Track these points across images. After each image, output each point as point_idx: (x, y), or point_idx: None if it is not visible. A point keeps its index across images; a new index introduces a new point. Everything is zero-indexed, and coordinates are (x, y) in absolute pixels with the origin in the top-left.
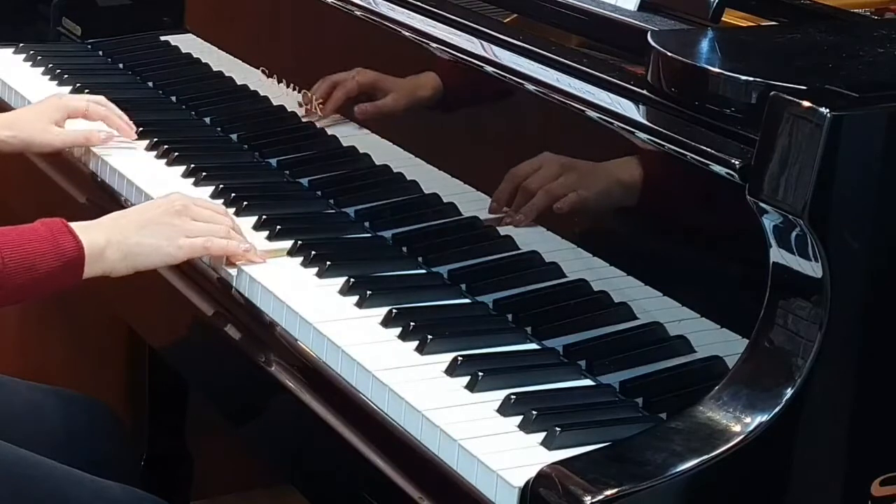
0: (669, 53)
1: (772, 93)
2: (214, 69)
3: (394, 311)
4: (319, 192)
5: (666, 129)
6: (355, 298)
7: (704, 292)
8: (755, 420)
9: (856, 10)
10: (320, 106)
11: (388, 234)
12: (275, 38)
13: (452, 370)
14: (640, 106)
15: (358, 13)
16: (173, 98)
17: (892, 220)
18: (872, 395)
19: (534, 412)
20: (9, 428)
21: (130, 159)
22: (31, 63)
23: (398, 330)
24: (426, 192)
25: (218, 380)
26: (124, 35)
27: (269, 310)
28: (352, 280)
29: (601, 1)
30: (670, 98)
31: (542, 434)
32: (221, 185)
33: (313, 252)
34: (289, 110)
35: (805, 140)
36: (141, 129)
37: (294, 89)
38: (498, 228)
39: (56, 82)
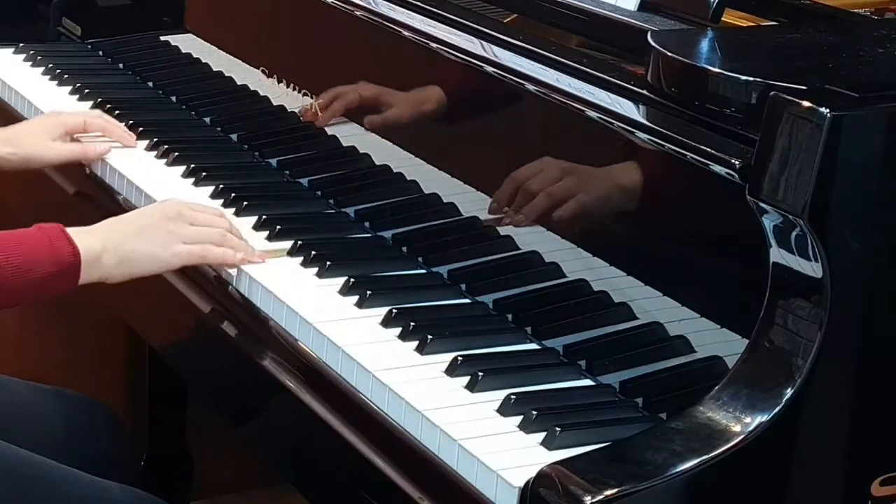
0: (669, 53)
1: (772, 93)
2: (214, 69)
3: (394, 311)
4: (319, 192)
5: (666, 129)
6: (355, 298)
7: (704, 292)
8: (755, 420)
9: (856, 10)
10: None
11: (388, 234)
12: (275, 38)
13: (452, 370)
14: (640, 106)
15: (358, 13)
16: (173, 98)
17: (892, 220)
18: (872, 395)
19: (534, 412)
20: (9, 428)
21: (130, 159)
22: (31, 63)
23: (398, 330)
24: (426, 192)
25: (218, 380)
26: (124, 35)
27: (268, 310)
28: (352, 280)
29: (601, 1)
30: (670, 98)
31: (542, 434)
32: (221, 185)
33: (313, 252)
34: (289, 110)
35: (805, 140)
36: (141, 129)
37: (294, 89)
38: (498, 228)
39: (56, 82)
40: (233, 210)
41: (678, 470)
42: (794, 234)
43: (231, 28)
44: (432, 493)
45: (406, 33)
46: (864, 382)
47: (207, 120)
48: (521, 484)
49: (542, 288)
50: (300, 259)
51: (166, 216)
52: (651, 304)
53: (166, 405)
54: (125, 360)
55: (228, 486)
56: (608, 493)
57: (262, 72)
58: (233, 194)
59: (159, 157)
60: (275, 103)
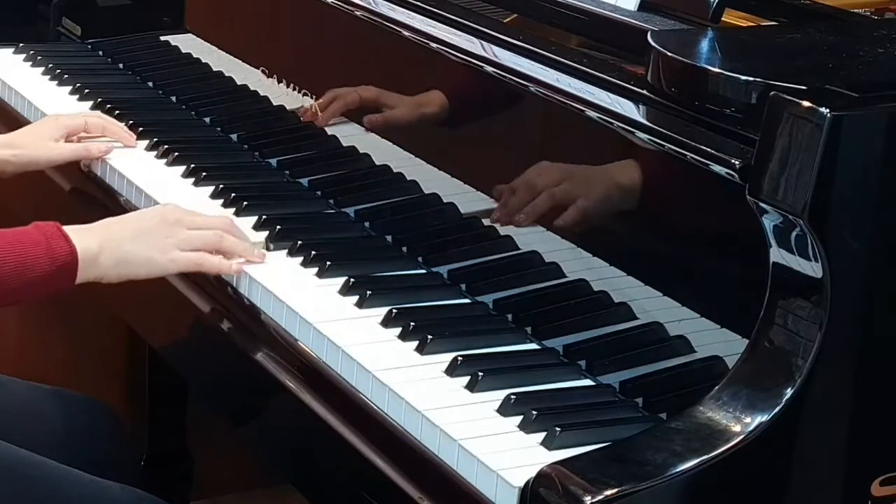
0: (669, 53)
1: (772, 93)
2: (214, 69)
3: (394, 311)
4: (319, 192)
5: (666, 129)
6: (355, 298)
7: (704, 292)
8: (755, 420)
9: (856, 10)
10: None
11: (388, 234)
12: (275, 38)
13: (452, 370)
14: (640, 106)
15: (358, 13)
16: (173, 98)
17: (892, 220)
18: (872, 395)
19: (534, 412)
20: (9, 428)
21: (130, 159)
22: (31, 63)
23: (398, 330)
24: (426, 192)
25: (218, 380)
26: (124, 35)
27: (269, 310)
28: (352, 280)
29: (601, 1)
30: (670, 98)
31: (542, 434)
32: (221, 185)
33: (313, 252)
34: (289, 110)
35: (805, 140)
36: (141, 129)
37: (294, 89)
38: (498, 228)
39: (56, 82)
40: (233, 210)
41: (678, 470)
42: (794, 234)
43: (231, 28)
44: (432, 493)
45: (406, 33)
46: (864, 382)
47: (207, 120)
48: (521, 484)
49: (542, 288)
50: (300, 259)
51: (166, 221)
52: (651, 304)
53: (166, 405)
54: (125, 360)
55: (228, 486)
56: (608, 493)
57: (262, 72)
58: (233, 194)
59: (159, 157)
60: (275, 103)
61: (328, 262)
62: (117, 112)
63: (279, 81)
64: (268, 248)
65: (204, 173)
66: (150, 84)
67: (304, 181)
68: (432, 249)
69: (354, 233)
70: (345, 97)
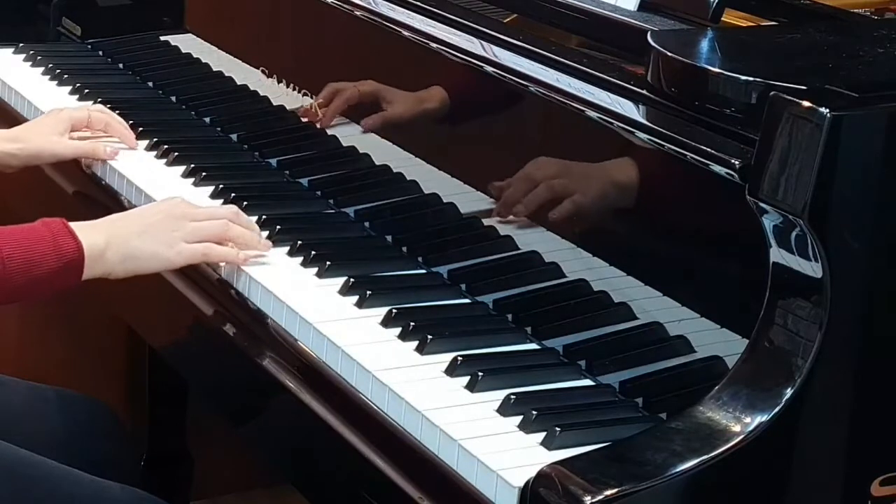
0: (669, 53)
1: (772, 93)
2: (214, 69)
3: (394, 311)
4: (319, 192)
5: (666, 129)
6: (355, 298)
7: (704, 292)
8: (755, 420)
9: (856, 10)
10: (322, 114)
11: (388, 234)
12: (275, 38)
13: (452, 370)
14: (640, 106)
15: (358, 13)
16: (173, 98)
17: (892, 220)
18: (872, 395)
19: (534, 412)
20: (9, 428)
21: (130, 159)
22: (31, 63)
23: (398, 330)
24: (426, 192)
25: (218, 380)
26: (124, 35)
27: (269, 310)
28: (352, 280)
29: (601, 1)
30: (670, 98)
31: (542, 434)
32: (221, 185)
33: (313, 252)
34: (289, 110)
35: (805, 140)
36: (141, 129)
37: (294, 89)
38: (498, 228)
39: (56, 82)
40: (234, 206)
41: (678, 470)
42: (794, 234)
43: (231, 28)
44: (432, 493)
45: (406, 33)
46: (864, 382)
47: (207, 120)
48: (521, 484)
49: (542, 288)
50: (300, 259)
51: (171, 215)
52: (651, 304)
53: (166, 405)
54: (125, 360)
55: (228, 486)
56: (608, 493)
57: (262, 72)
58: (233, 194)
59: (159, 157)
60: (275, 103)
61: (328, 262)
62: (117, 112)
63: (279, 81)
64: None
65: (204, 173)
66: (150, 84)
67: (304, 181)
68: (432, 249)
69: (354, 233)
70: (344, 94)
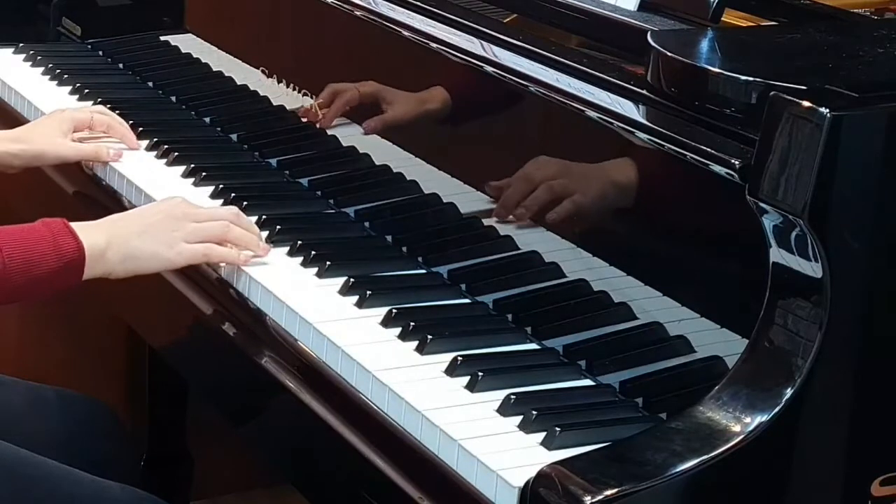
0: (669, 53)
1: (772, 93)
2: (214, 69)
3: (394, 311)
4: (319, 192)
5: (666, 129)
6: (355, 298)
7: (704, 292)
8: (755, 420)
9: (856, 10)
10: (323, 115)
11: (388, 234)
12: (275, 38)
13: (452, 370)
14: (640, 106)
15: (358, 13)
16: (173, 98)
17: (892, 220)
18: (872, 395)
19: (534, 412)
20: (9, 428)
21: (130, 159)
22: (31, 63)
23: (398, 330)
24: (426, 192)
25: (218, 380)
26: (124, 35)
27: (268, 310)
28: (352, 280)
29: (601, 1)
30: (670, 98)
31: (542, 434)
32: (221, 185)
33: (313, 252)
34: (289, 110)
35: (805, 140)
36: (141, 129)
37: (294, 89)
38: (498, 228)
39: (56, 82)
40: (235, 207)
41: (678, 470)
42: (794, 234)
43: (231, 28)
44: (432, 493)
45: (406, 33)
46: (864, 382)
47: (207, 120)
48: (521, 484)
49: (542, 288)
50: (300, 259)
51: (171, 215)
52: (651, 304)
53: (166, 405)
54: (125, 360)
55: (228, 486)
56: (608, 493)
57: (262, 72)
58: (233, 194)
59: (159, 157)
60: (275, 103)
61: (328, 262)
62: (117, 112)
63: (279, 81)
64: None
65: (204, 173)
66: (150, 84)
67: (304, 181)
68: (432, 249)
69: (354, 233)
70: (345, 95)
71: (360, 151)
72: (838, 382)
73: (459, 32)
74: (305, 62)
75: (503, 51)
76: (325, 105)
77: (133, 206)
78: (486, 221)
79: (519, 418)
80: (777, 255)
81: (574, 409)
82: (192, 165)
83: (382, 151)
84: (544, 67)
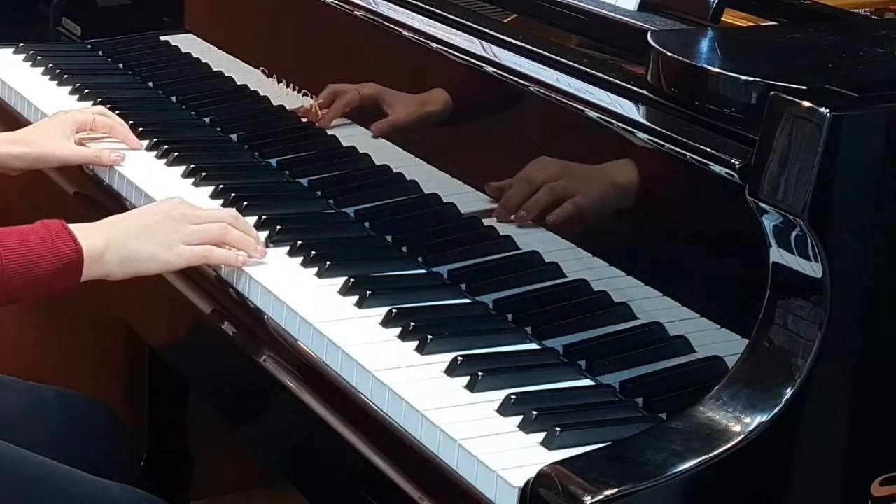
0: (669, 53)
1: (772, 93)
2: (214, 69)
3: (394, 311)
4: (319, 192)
5: (666, 129)
6: (355, 298)
7: (704, 292)
8: (755, 420)
9: (856, 10)
10: (323, 116)
11: (388, 234)
12: (275, 38)
13: (452, 370)
14: (640, 106)
15: (358, 13)
16: (173, 98)
17: (892, 220)
18: (872, 395)
19: (534, 412)
20: (9, 428)
21: (130, 159)
22: (31, 63)
23: (398, 330)
24: (426, 192)
25: (218, 380)
26: (124, 35)
27: (268, 310)
28: (352, 280)
29: (601, 1)
30: (670, 98)
31: (542, 434)
32: (221, 185)
33: (313, 252)
34: (289, 110)
35: (805, 140)
36: (141, 129)
37: (294, 89)
38: (498, 228)
39: (56, 82)
40: (234, 209)
41: (678, 470)
42: (794, 234)
43: (231, 28)
44: (432, 493)
45: (406, 33)
46: (864, 382)
47: (207, 120)
48: (521, 484)
49: (542, 288)
50: (300, 259)
51: (171, 216)
52: (651, 304)
53: (166, 405)
54: (125, 360)
55: (228, 486)
56: (608, 493)
57: (262, 72)
58: (233, 194)
59: (159, 157)
60: (275, 103)
61: (328, 262)
62: (117, 112)
63: (279, 81)
64: (266, 248)
65: (204, 173)
66: (150, 84)
67: (304, 181)
68: (432, 249)
69: (354, 233)
70: (345, 97)
71: (360, 151)
72: (838, 382)
73: (459, 32)
74: (305, 62)
75: (503, 51)
76: (325, 105)
77: (133, 207)
78: (486, 221)
79: (519, 418)
80: (777, 255)
81: (574, 409)
82: (192, 165)
83: (382, 151)
84: (544, 67)
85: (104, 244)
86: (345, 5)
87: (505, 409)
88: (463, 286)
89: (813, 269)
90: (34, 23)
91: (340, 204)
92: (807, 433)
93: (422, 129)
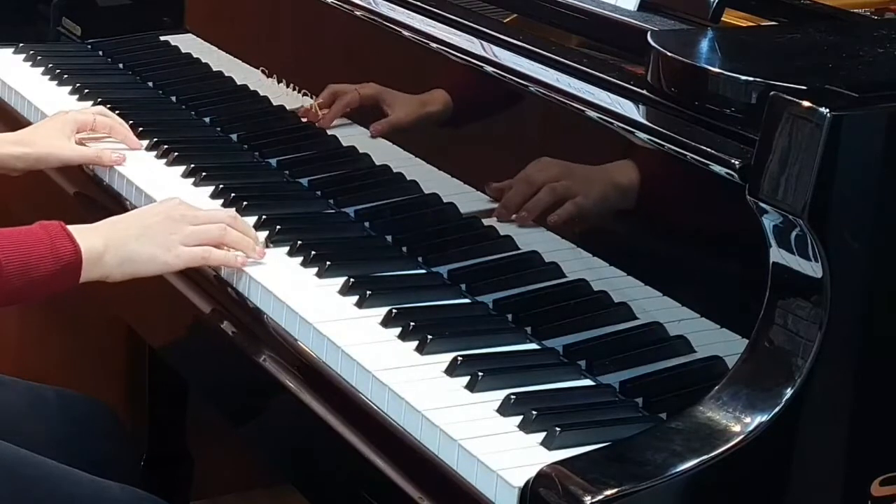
0: (669, 53)
1: (772, 93)
2: (214, 69)
3: (394, 311)
4: (319, 192)
5: (666, 129)
6: (355, 298)
7: (704, 292)
8: (755, 420)
9: (856, 10)
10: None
11: (388, 234)
12: (275, 38)
13: (452, 370)
14: (640, 106)
15: (358, 13)
16: (173, 98)
17: (892, 220)
18: (872, 395)
19: (534, 412)
20: (9, 428)
21: (130, 159)
22: (31, 63)
23: (398, 330)
24: (426, 192)
25: (218, 380)
26: (124, 35)
27: (268, 310)
28: (352, 280)
29: (601, 1)
30: (670, 98)
31: (542, 434)
32: (221, 185)
33: (313, 252)
34: (289, 110)
35: (805, 140)
36: (141, 129)
37: (294, 89)
38: (498, 228)
39: (56, 82)
40: (233, 210)
41: (678, 470)
42: (794, 234)
43: (231, 28)
44: (432, 493)
45: (406, 33)
46: (864, 382)
47: (207, 120)
48: (521, 484)
49: (542, 288)
50: (300, 259)
51: (170, 218)
52: (651, 304)
53: (166, 405)
54: (125, 360)
55: (228, 486)
56: (608, 493)
57: (262, 72)
58: (233, 194)
59: (159, 157)
60: (275, 103)
61: (328, 262)
62: (117, 112)
63: (279, 81)
64: (265, 247)
65: (204, 173)
66: (150, 84)
67: (304, 181)
68: (432, 249)
69: (354, 233)
70: (345, 97)
71: (360, 151)
72: (838, 382)
73: (459, 32)
74: (305, 62)
75: (503, 51)
76: (325, 105)
77: (133, 207)
78: (486, 221)
79: (519, 418)
80: (777, 255)
81: (574, 409)
82: (192, 165)
83: (382, 151)
84: (544, 67)
85: (103, 245)
86: (345, 5)
87: (505, 409)
88: (463, 286)
89: (813, 269)
90: (34, 23)
91: (340, 204)
92: (807, 433)
93: (422, 129)
